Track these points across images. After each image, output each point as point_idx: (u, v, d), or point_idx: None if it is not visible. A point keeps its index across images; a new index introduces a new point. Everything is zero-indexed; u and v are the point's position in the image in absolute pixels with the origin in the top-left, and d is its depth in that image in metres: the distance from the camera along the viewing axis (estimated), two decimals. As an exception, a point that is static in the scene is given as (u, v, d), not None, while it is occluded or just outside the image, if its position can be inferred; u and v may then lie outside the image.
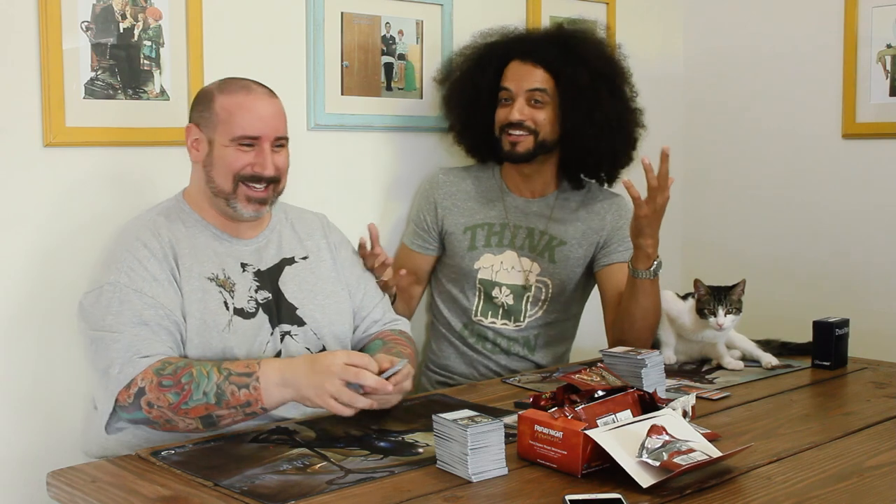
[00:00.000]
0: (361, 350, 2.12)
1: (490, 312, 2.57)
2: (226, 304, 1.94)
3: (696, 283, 2.38)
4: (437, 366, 2.63)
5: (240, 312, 1.95)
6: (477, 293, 2.57)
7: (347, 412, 1.75)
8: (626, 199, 2.65)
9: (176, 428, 1.80)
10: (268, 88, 2.01)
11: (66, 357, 2.17)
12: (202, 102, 1.98)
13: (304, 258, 2.09)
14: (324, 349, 2.04)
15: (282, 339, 1.99)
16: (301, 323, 2.02)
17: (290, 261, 2.07)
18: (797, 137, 3.17)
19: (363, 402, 1.76)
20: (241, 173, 1.95)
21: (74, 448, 2.14)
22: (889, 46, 2.94)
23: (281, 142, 1.99)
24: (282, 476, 1.59)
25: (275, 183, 1.99)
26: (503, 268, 2.57)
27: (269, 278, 2.02)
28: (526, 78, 2.50)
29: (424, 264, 2.64)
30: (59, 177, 2.16)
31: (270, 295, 2.00)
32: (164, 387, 1.76)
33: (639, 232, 2.30)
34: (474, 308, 2.57)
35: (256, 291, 1.98)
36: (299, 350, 2.01)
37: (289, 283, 2.04)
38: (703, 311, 2.34)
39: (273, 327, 1.98)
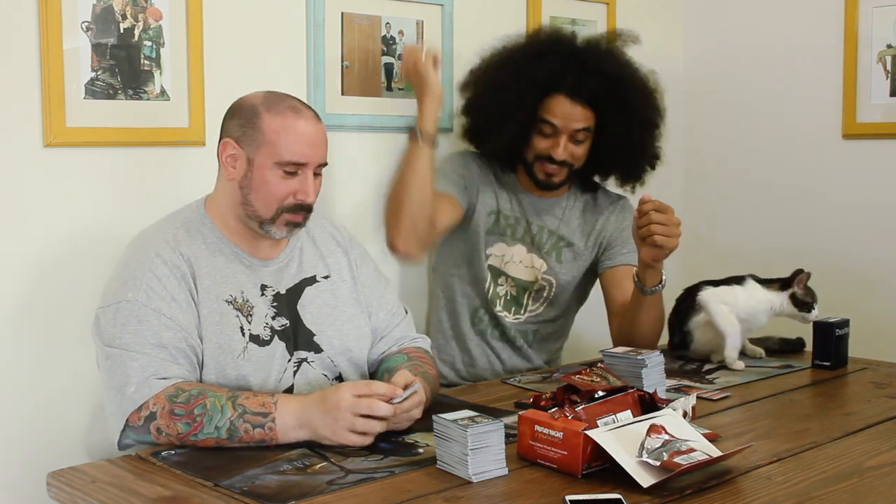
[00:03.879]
0: (382, 363, 2.08)
1: (496, 300, 2.60)
2: (242, 329, 1.89)
3: (804, 273, 2.41)
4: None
5: (255, 339, 1.90)
6: (486, 279, 2.59)
7: (366, 441, 1.71)
8: (629, 201, 2.67)
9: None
10: (314, 111, 1.95)
11: (67, 357, 2.17)
12: (243, 117, 1.89)
13: (326, 277, 2.04)
14: (340, 376, 2.01)
15: (299, 367, 1.95)
16: (318, 350, 1.98)
17: (312, 280, 2.02)
18: (797, 137, 3.17)
19: (380, 427, 1.72)
20: (284, 204, 1.89)
21: (74, 448, 2.14)
22: (889, 46, 2.94)
23: (321, 168, 1.95)
24: (282, 476, 1.59)
25: (310, 210, 1.95)
26: (512, 260, 2.59)
27: (287, 302, 1.96)
28: (573, 118, 2.47)
29: (455, 211, 2.53)
30: (59, 177, 2.15)
31: (288, 322, 1.95)
32: (175, 415, 1.71)
33: (655, 259, 2.29)
34: (486, 292, 2.59)
35: (273, 318, 1.93)
36: (317, 376, 1.97)
37: (308, 307, 1.99)
38: (806, 305, 2.40)
39: (290, 354, 1.94)
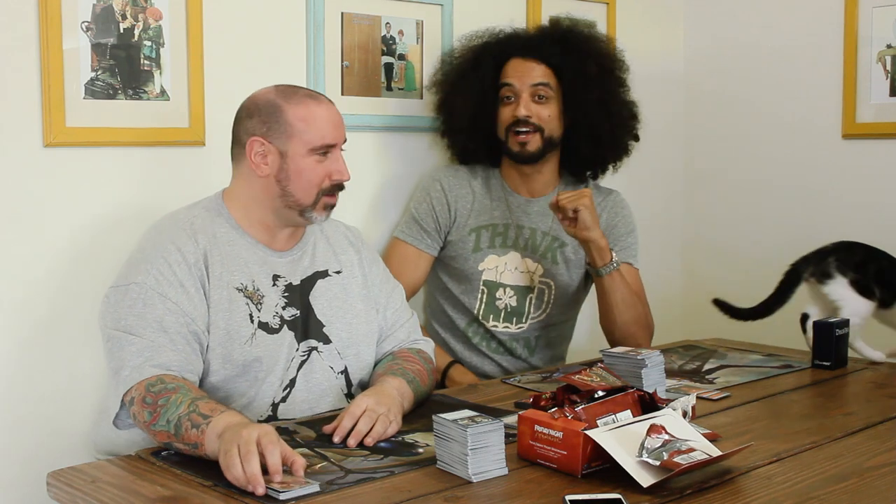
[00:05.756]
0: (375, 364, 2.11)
1: (492, 315, 2.56)
2: (251, 316, 1.91)
3: None
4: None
5: (264, 327, 1.92)
6: (480, 294, 2.56)
7: (227, 473, 1.52)
8: (621, 195, 2.66)
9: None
10: (324, 95, 2.02)
11: (67, 357, 2.17)
12: (265, 113, 1.93)
13: (338, 272, 2.07)
14: (345, 370, 2.03)
15: (308, 355, 1.98)
16: (327, 341, 2.00)
17: (324, 274, 2.05)
18: (797, 137, 3.17)
19: (249, 469, 1.49)
20: (323, 186, 1.95)
21: (74, 448, 2.14)
22: (889, 46, 2.94)
23: (343, 144, 2.01)
24: (282, 476, 1.59)
25: (343, 189, 2.00)
26: (507, 269, 2.56)
27: (299, 293, 1.99)
28: (529, 73, 2.48)
29: (426, 264, 2.59)
30: (59, 177, 2.16)
31: (298, 312, 1.97)
32: (145, 403, 1.73)
33: (583, 228, 2.32)
34: (477, 309, 2.56)
35: (284, 308, 1.96)
36: (323, 367, 1.99)
37: (320, 298, 2.02)
38: None
39: (298, 343, 1.97)
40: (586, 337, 2.93)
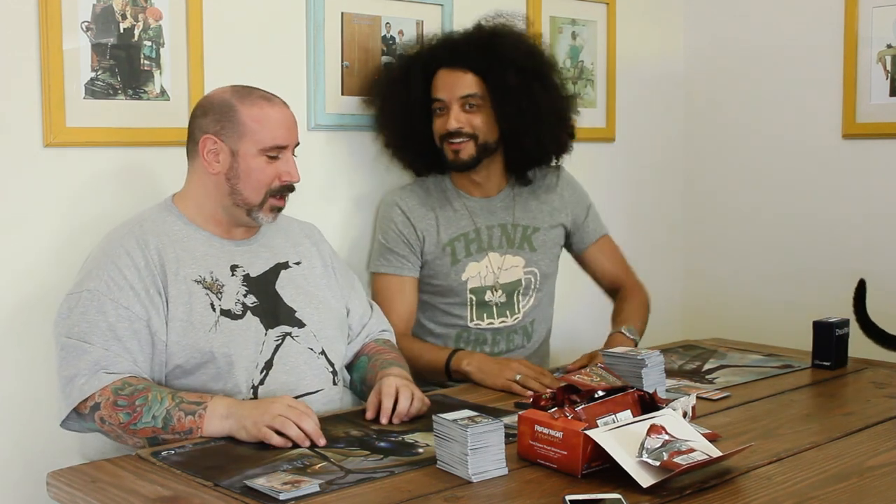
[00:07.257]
0: (348, 367, 2.18)
1: (485, 314, 2.55)
2: (212, 305, 1.94)
3: None
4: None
5: (226, 313, 1.95)
6: (468, 302, 2.55)
7: (278, 441, 1.73)
8: (565, 168, 2.66)
9: (125, 443, 1.85)
10: (280, 98, 2.03)
11: (67, 357, 2.17)
12: (218, 112, 1.96)
13: (298, 263, 2.10)
14: (323, 352, 2.05)
15: (283, 341, 2.00)
16: (301, 325, 2.03)
17: (286, 265, 2.08)
18: (797, 138, 3.17)
19: (295, 433, 1.74)
20: (272, 187, 1.98)
21: (74, 448, 2.14)
22: (889, 46, 2.94)
23: (295, 148, 2.04)
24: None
25: (293, 190, 2.03)
26: (490, 271, 2.54)
27: (261, 283, 2.02)
28: (456, 85, 2.46)
29: (412, 288, 2.53)
30: (59, 177, 2.16)
31: (258, 301, 2.00)
32: (118, 406, 1.79)
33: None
34: (468, 316, 2.55)
35: (245, 296, 1.99)
36: (301, 351, 2.01)
37: (286, 288, 2.05)
38: None
39: (266, 329, 1.98)
40: (586, 337, 2.93)
